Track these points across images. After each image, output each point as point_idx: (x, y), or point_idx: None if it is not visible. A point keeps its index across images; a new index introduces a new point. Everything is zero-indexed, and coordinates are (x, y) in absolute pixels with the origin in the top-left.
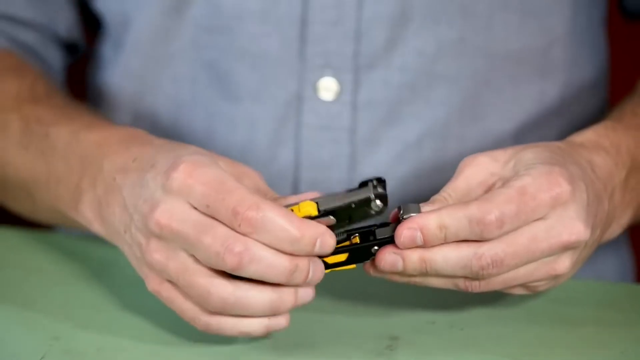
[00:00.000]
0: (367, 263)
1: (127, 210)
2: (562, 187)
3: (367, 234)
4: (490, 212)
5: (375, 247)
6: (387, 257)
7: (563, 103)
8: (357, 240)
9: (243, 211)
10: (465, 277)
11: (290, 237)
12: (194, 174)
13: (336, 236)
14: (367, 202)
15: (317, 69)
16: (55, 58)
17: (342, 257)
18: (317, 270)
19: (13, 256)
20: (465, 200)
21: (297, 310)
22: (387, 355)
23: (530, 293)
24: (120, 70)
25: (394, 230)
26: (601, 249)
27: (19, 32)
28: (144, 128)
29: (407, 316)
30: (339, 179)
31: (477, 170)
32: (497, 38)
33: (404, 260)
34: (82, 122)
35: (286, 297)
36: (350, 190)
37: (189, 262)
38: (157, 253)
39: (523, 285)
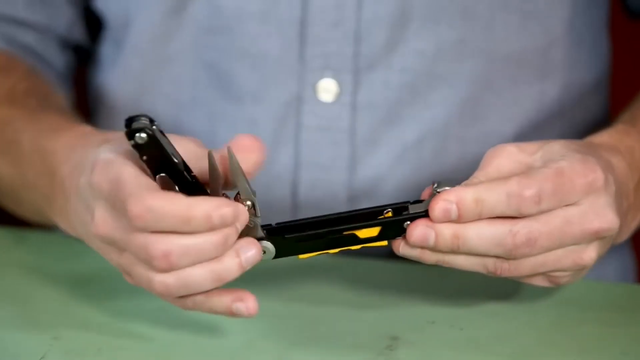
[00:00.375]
0: (397, 240)
1: (79, 218)
2: (597, 174)
3: (400, 210)
4: (530, 187)
5: (408, 222)
6: (419, 230)
7: (563, 104)
8: (390, 215)
9: (131, 209)
10: (496, 258)
11: (181, 220)
12: (100, 175)
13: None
14: None
15: (316, 70)
16: (57, 58)
17: (374, 231)
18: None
19: (13, 256)
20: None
21: (297, 309)
22: (387, 355)
23: (551, 285)
24: (121, 70)
25: (427, 206)
26: None
27: (18, 33)
28: None
29: (407, 316)
30: (339, 180)
31: (506, 159)
32: (497, 39)
33: (436, 234)
34: (47, 125)
35: (228, 261)
36: None
37: (132, 258)
38: (112, 254)
39: (547, 275)
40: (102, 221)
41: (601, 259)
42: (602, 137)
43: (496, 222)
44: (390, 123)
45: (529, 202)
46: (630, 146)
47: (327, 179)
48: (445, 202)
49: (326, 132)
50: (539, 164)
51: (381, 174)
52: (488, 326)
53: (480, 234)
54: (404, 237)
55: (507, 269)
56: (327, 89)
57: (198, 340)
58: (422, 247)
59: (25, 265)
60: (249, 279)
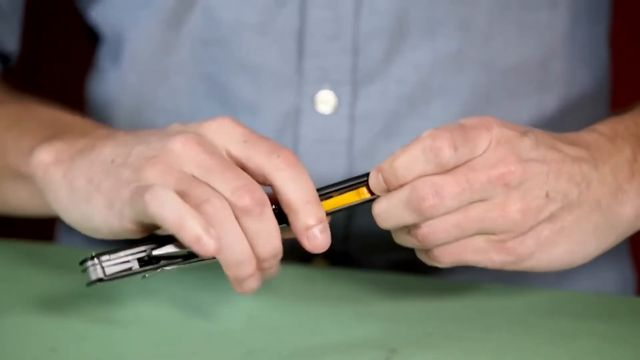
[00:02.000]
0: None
1: (127, 144)
2: (494, 124)
3: None
4: (441, 138)
5: None
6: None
7: (562, 117)
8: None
9: (281, 150)
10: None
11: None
12: (230, 121)
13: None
14: None
15: (315, 82)
16: None
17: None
18: None
19: (12, 269)
20: None
21: (295, 320)
22: None
23: (511, 258)
24: (119, 83)
25: None
26: (602, 261)
27: None
28: None
29: (404, 328)
30: None
31: None
32: (495, 51)
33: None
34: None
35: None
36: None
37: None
38: (162, 165)
39: (491, 241)
40: (197, 139)
41: (587, 274)
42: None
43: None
44: (388, 135)
45: (445, 152)
46: (613, 126)
47: None
48: (374, 172)
49: (324, 144)
50: None
51: None
52: (485, 338)
53: (389, 198)
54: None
55: (426, 233)
56: (325, 100)
57: (197, 351)
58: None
59: (24, 277)
60: None
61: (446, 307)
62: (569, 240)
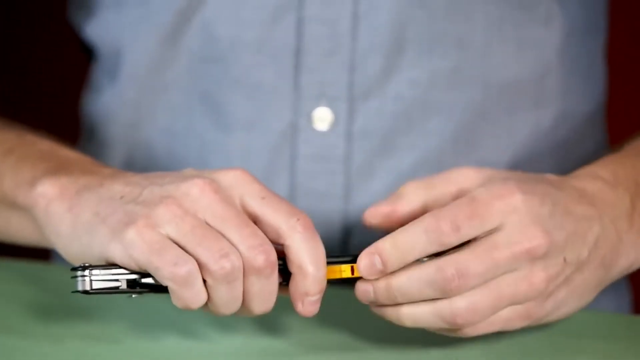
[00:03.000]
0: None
1: (138, 184)
2: (514, 194)
3: None
4: (444, 217)
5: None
6: (360, 287)
7: (558, 134)
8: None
9: (300, 213)
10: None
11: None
12: (247, 174)
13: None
14: None
15: (312, 99)
16: None
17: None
18: None
19: (6, 287)
20: (431, 194)
21: (287, 350)
22: None
23: (532, 323)
24: (116, 99)
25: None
26: None
27: None
28: (140, 157)
29: (400, 351)
30: (334, 208)
31: (459, 175)
32: (492, 68)
33: (373, 289)
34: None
35: None
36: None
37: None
38: (176, 207)
39: (512, 308)
40: (215, 186)
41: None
42: (584, 168)
43: (424, 265)
44: (385, 152)
45: (447, 232)
46: (615, 169)
47: (322, 207)
48: (367, 255)
49: (321, 161)
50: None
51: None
52: (482, 357)
53: (411, 277)
54: None
55: (460, 321)
56: (322, 117)
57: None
58: (370, 303)
59: (19, 297)
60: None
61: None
62: (577, 298)
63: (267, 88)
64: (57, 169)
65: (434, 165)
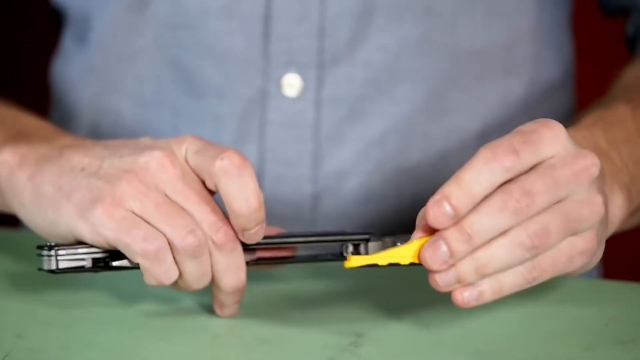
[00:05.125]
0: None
1: (98, 156)
2: (556, 125)
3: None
4: (499, 146)
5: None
6: (442, 278)
7: (528, 102)
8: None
9: (224, 151)
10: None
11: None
12: (196, 138)
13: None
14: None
15: (281, 65)
16: None
17: None
18: None
19: None
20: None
21: (261, 305)
22: (352, 352)
23: (586, 264)
24: (85, 65)
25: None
26: None
27: None
28: (107, 124)
29: (372, 313)
30: (303, 175)
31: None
32: (461, 36)
33: (457, 270)
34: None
35: None
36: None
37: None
38: (138, 183)
39: (573, 241)
40: (172, 157)
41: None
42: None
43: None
44: (355, 118)
45: (507, 157)
46: (594, 141)
47: (292, 174)
48: (435, 203)
49: (291, 128)
50: None
51: (345, 170)
52: (453, 323)
53: (479, 211)
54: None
55: (537, 244)
56: (292, 84)
57: (162, 337)
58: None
59: None
60: None
61: (413, 292)
62: (602, 245)
63: (237, 55)
64: (17, 137)
65: (404, 133)
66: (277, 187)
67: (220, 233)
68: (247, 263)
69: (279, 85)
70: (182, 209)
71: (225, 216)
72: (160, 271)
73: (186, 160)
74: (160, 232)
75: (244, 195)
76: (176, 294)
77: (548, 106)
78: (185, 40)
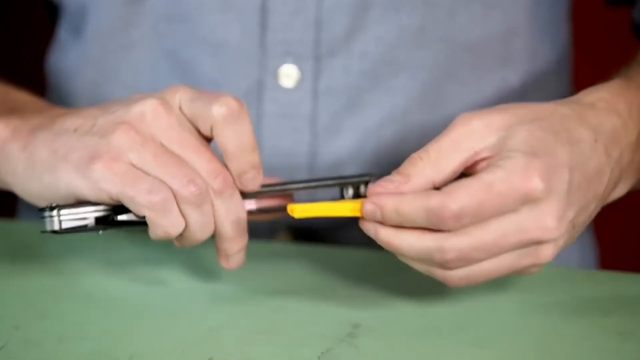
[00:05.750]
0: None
1: (91, 115)
2: (534, 185)
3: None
4: (449, 207)
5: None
6: (367, 206)
7: (524, 91)
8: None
9: (219, 97)
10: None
11: None
12: (188, 88)
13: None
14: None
15: (278, 56)
16: None
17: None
18: None
19: None
20: (440, 167)
21: (258, 296)
22: (349, 342)
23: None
24: (81, 56)
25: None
26: None
27: None
28: None
29: (368, 303)
30: (300, 165)
31: (467, 137)
32: (458, 28)
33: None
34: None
35: None
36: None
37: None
38: (134, 133)
39: (514, 272)
40: (166, 106)
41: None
42: (600, 93)
43: (426, 236)
44: (351, 109)
45: (448, 221)
46: (630, 102)
47: (288, 165)
48: (371, 205)
49: (287, 119)
50: (497, 147)
51: (342, 160)
52: (449, 313)
53: (411, 244)
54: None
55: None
56: (288, 74)
57: (158, 328)
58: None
59: None
60: (210, 267)
61: (410, 282)
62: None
63: (233, 46)
64: (9, 111)
65: (400, 123)
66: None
67: (218, 179)
68: (249, 213)
69: (275, 76)
70: (180, 158)
71: (223, 164)
72: (167, 222)
73: (180, 109)
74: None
75: (240, 139)
76: (173, 288)
77: (542, 95)
78: (182, 31)
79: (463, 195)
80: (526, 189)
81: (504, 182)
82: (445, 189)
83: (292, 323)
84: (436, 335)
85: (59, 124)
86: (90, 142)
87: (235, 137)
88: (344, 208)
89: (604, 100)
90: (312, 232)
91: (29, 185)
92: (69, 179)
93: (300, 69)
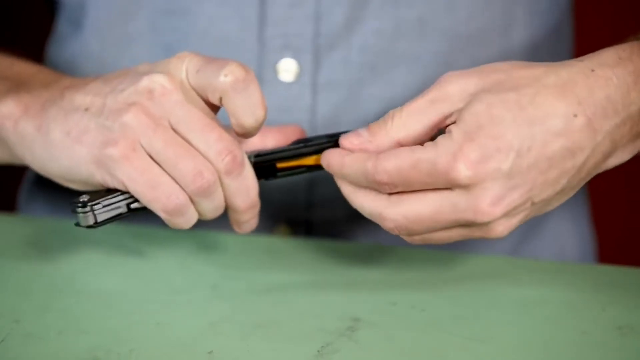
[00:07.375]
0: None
1: (99, 93)
2: (458, 173)
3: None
4: (381, 175)
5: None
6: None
7: None
8: None
9: (225, 65)
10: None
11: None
12: (191, 54)
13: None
14: None
15: (276, 50)
16: None
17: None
18: None
19: None
20: (408, 127)
21: (258, 290)
22: (349, 336)
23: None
24: (80, 49)
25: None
26: (563, 226)
27: None
28: None
29: (368, 297)
30: None
31: (441, 100)
32: (457, 19)
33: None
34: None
35: None
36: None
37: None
38: (144, 116)
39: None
40: (172, 79)
41: (548, 239)
42: (605, 57)
43: (374, 200)
44: (351, 102)
45: (384, 187)
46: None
47: None
48: (324, 160)
49: (287, 113)
50: (456, 116)
51: None
52: (449, 308)
53: (362, 204)
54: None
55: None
56: (288, 69)
57: (159, 322)
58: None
59: None
60: (210, 262)
61: (410, 276)
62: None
63: (231, 40)
64: (18, 86)
65: None
66: None
67: (227, 159)
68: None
69: (274, 70)
70: (188, 142)
71: (231, 138)
72: (181, 221)
73: (187, 80)
74: (170, 175)
75: (250, 109)
76: (174, 282)
77: None
78: (180, 25)
79: (392, 166)
80: (450, 175)
81: (430, 162)
82: (381, 155)
83: (292, 317)
84: (436, 330)
85: (69, 100)
86: (104, 126)
87: (244, 104)
88: (309, 158)
89: (606, 66)
90: (311, 227)
91: (50, 166)
92: (88, 167)
93: (299, 62)
